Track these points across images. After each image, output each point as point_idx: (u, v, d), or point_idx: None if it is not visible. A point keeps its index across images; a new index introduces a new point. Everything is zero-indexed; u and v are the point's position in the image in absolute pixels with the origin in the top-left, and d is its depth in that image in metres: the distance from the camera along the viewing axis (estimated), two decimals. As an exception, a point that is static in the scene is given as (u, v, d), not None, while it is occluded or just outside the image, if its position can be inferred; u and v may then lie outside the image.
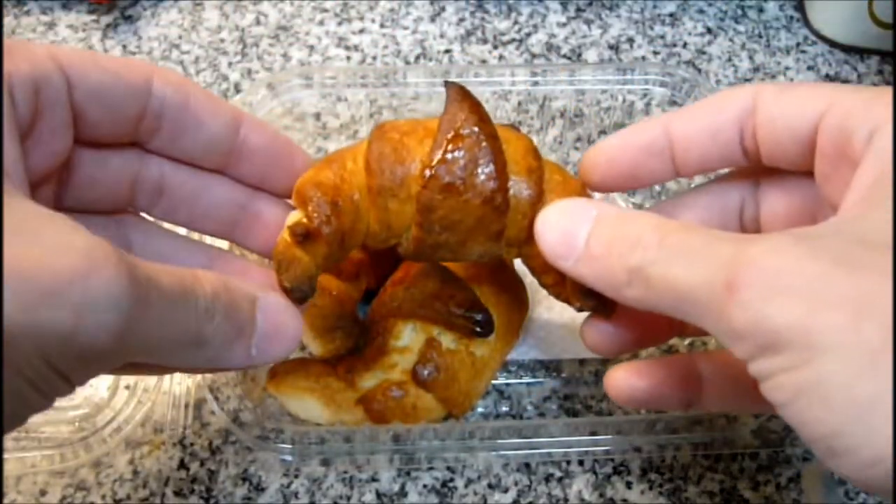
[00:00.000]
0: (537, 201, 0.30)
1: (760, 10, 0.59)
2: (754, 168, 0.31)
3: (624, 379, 0.31)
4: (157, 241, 0.31)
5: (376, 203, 0.30)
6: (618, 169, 0.31)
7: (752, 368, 0.22)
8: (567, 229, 0.27)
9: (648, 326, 0.32)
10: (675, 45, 0.57)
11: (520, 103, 0.49)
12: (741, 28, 0.58)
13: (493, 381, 0.42)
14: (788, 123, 0.27)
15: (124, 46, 0.56)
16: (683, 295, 0.23)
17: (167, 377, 0.41)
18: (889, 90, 0.25)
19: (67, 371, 0.21)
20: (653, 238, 0.24)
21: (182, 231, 0.33)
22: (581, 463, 0.41)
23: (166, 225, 0.32)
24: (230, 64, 0.55)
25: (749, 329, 0.21)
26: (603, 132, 0.49)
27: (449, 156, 0.29)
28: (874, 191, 0.23)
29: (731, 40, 0.57)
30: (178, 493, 0.39)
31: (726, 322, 0.22)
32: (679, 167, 0.31)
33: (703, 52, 0.57)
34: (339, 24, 0.58)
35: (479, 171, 0.29)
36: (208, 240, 0.34)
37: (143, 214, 0.32)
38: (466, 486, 0.40)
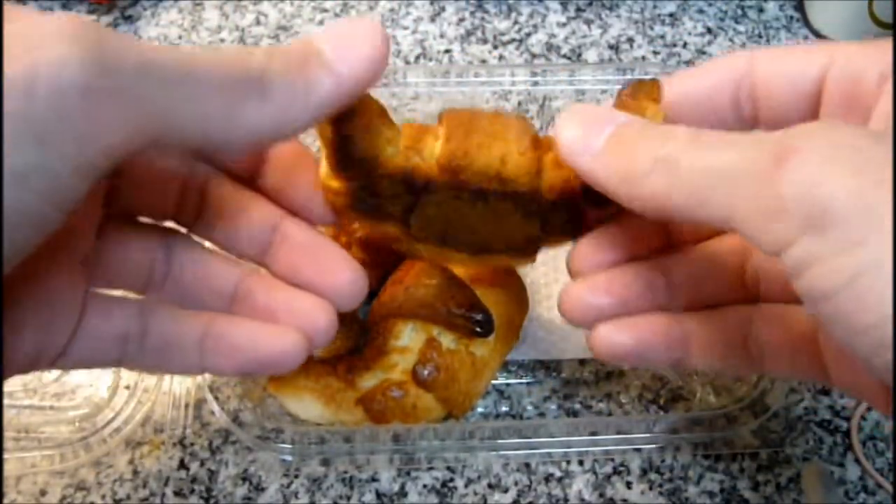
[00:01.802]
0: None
1: (760, 10, 0.59)
2: None
3: (607, 334, 0.30)
4: (200, 256, 0.30)
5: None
6: None
7: (791, 256, 0.20)
8: (589, 126, 0.26)
9: (630, 294, 0.31)
10: (675, 45, 0.57)
11: (520, 103, 0.49)
12: (741, 28, 0.58)
13: (493, 381, 0.42)
14: (790, 81, 0.26)
15: (124, 46, 0.56)
16: (715, 177, 0.22)
17: (167, 377, 0.41)
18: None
19: (54, 137, 0.17)
20: (685, 133, 0.23)
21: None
22: (581, 463, 0.41)
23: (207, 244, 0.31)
24: (230, 64, 0.55)
25: (798, 200, 0.19)
26: (603, 132, 0.49)
27: None
28: None
29: (731, 40, 0.57)
30: (178, 493, 0.39)
31: (771, 194, 0.20)
32: None
33: (703, 52, 0.57)
34: (339, 24, 0.58)
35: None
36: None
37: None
38: (466, 486, 0.40)
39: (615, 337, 0.30)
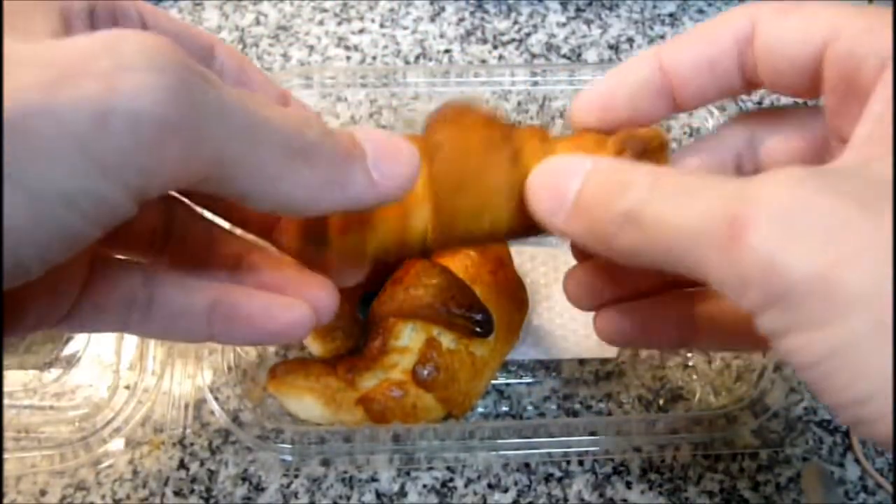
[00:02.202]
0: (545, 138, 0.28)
1: (760, 10, 0.59)
2: (749, 116, 0.29)
3: (612, 318, 0.30)
4: (203, 223, 0.30)
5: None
6: (615, 111, 0.29)
7: (763, 323, 0.20)
8: (557, 185, 0.25)
9: (635, 277, 0.30)
10: (675, 45, 0.57)
11: (520, 103, 0.49)
12: (741, 28, 0.58)
13: (493, 381, 0.42)
14: (789, 53, 0.25)
15: (124, 46, 0.56)
16: (680, 237, 0.21)
17: (167, 377, 0.41)
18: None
19: (119, 166, 0.17)
20: (645, 180, 0.22)
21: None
22: (581, 463, 0.41)
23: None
24: (230, 64, 0.55)
25: (758, 276, 0.19)
26: (603, 132, 0.50)
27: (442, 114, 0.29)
28: (886, 127, 0.21)
29: (730, 40, 0.57)
30: (178, 493, 0.39)
31: (731, 268, 0.19)
32: (678, 102, 0.29)
33: (703, 52, 0.57)
34: (339, 24, 0.58)
35: (471, 109, 0.28)
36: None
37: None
38: (466, 486, 0.40)
39: (619, 321, 0.30)
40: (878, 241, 0.18)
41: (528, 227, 0.27)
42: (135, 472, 0.40)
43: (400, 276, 0.41)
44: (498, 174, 0.27)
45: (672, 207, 0.21)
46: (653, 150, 0.27)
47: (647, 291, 0.30)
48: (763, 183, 0.20)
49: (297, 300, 0.27)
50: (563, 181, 0.25)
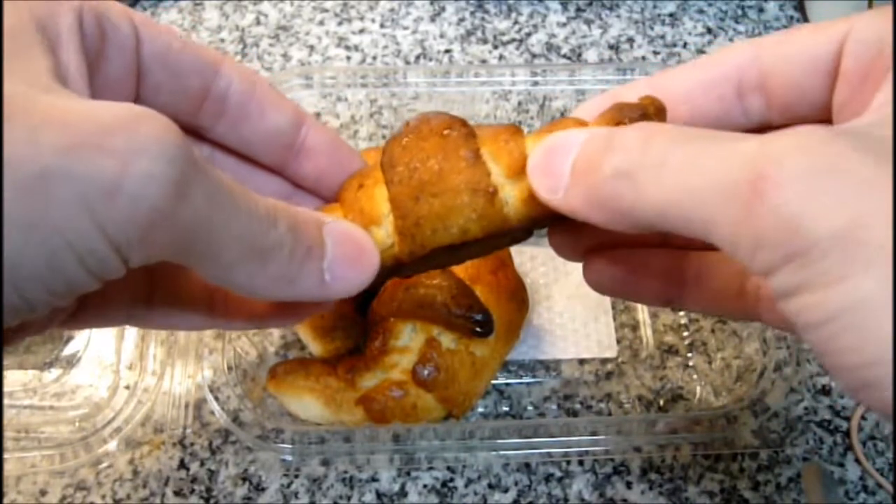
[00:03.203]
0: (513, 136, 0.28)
1: (760, 10, 0.59)
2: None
3: (601, 264, 0.30)
4: None
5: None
6: None
7: (775, 282, 0.19)
8: (554, 162, 0.25)
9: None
10: (675, 45, 0.57)
11: (520, 103, 0.49)
12: (741, 28, 0.58)
13: (493, 381, 0.42)
14: (802, 60, 0.25)
15: (124, 46, 0.56)
16: (688, 196, 0.20)
17: (167, 377, 0.41)
18: None
19: (116, 236, 0.19)
20: (636, 140, 0.22)
21: None
22: (581, 463, 0.41)
23: None
24: (230, 64, 0.55)
25: (778, 235, 0.19)
26: (603, 132, 0.49)
27: (407, 126, 0.28)
28: None
29: (730, 40, 0.57)
30: (178, 493, 0.39)
31: (748, 227, 0.19)
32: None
33: (703, 52, 0.57)
34: (339, 24, 0.58)
35: (431, 118, 0.28)
36: None
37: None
38: (466, 486, 0.40)
39: (609, 268, 0.29)
40: None
41: (504, 227, 0.27)
42: (135, 472, 0.40)
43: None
44: (457, 175, 0.26)
45: (673, 169, 0.21)
46: (651, 117, 0.26)
47: (635, 243, 0.30)
48: (785, 141, 0.19)
49: None
50: (559, 157, 0.25)
